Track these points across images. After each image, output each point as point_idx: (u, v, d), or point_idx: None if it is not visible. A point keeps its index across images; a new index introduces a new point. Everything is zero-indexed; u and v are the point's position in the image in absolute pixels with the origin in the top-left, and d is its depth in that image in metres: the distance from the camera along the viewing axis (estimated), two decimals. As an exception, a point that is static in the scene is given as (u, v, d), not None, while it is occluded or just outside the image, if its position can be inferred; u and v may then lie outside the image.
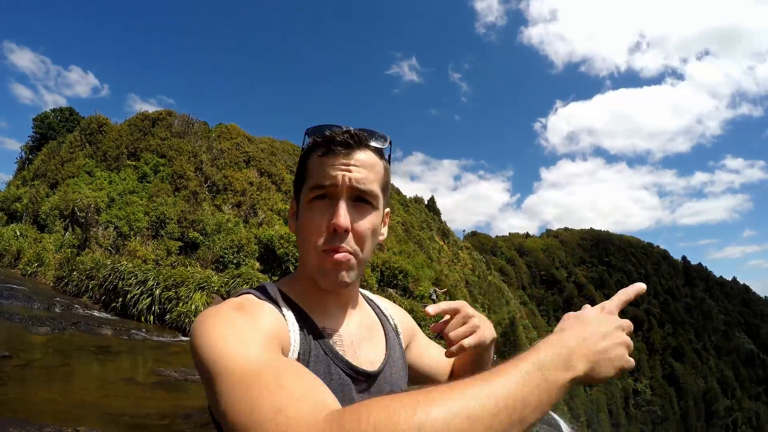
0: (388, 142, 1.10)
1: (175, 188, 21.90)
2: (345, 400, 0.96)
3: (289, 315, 1.02)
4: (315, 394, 0.74)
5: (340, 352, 1.04)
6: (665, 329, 73.16)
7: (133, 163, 23.46)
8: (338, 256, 1.01)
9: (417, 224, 36.68)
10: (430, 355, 1.42)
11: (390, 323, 1.28)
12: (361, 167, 1.03)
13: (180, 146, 24.13)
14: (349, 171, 1.02)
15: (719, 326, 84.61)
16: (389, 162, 1.12)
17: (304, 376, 0.78)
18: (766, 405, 69.90)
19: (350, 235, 1.02)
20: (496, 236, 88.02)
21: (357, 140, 1.03)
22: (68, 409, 6.19)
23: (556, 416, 14.45)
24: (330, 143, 1.02)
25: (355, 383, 1.03)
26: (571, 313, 0.92)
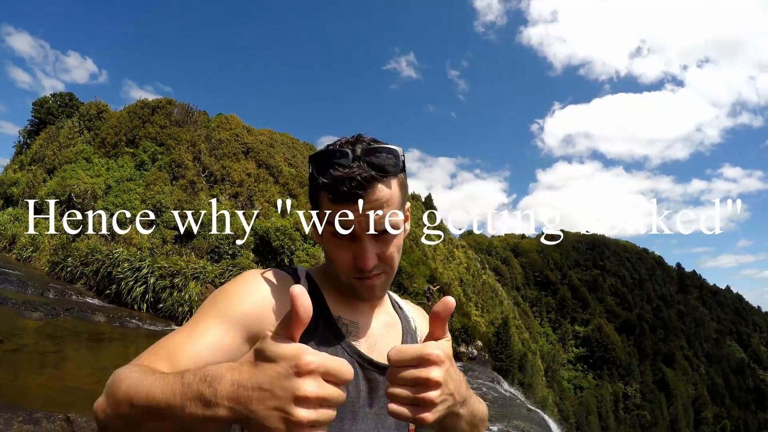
0: (400, 157, 1.03)
1: (173, 177, 21.85)
2: (349, 384, 0.95)
3: None
4: (169, 348, 0.97)
5: (353, 341, 1.10)
6: (657, 335, 73.30)
7: (132, 150, 23.38)
8: (370, 282, 1.06)
9: (413, 221, 36.69)
10: None
11: (411, 325, 1.30)
12: (377, 207, 1.00)
13: (179, 135, 24.07)
14: (366, 216, 0.99)
15: (711, 334, 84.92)
16: (404, 168, 1.07)
17: (185, 334, 0.97)
18: (754, 414, 70.20)
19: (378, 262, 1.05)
20: (492, 236, 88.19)
21: (367, 182, 0.98)
22: (59, 395, 6.19)
23: (546, 416, 14.44)
24: (338, 194, 0.98)
25: (364, 372, 1.08)
26: (262, 349, 0.71)
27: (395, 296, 1.36)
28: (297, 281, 1.10)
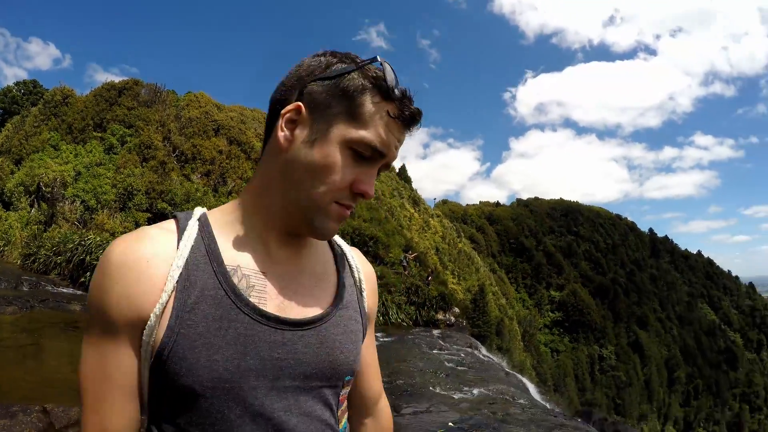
0: None
1: (143, 159, 21.50)
2: (248, 351, 0.85)
3: (185, 249, 0.88)
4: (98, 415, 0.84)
5: (253, 296, 0.89)
6: (631, 298, 74.67)
7: (100, 134, 22.89)
8: (348, 212, 0.93)
9: (388, 192, 36.71)
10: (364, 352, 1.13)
11: (354, 275, 1.11)
12: (401, 144, 0.94)
13: (147, 116, 23.62)
14: (397, 148, 0.93)
15: (683, 297, 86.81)
16: None
17: (103, 406, 0.85)
18: (725, 373, 72.28)
19: None
20: (467, 204, 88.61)
21: (417, 118, 0.92)
22: (39, 387, 6.13)
23: (524, 379, 14.76)
24: (405, 113, 0.89)
25: (270, 333, 0.88)
26: None
27: (340, 240, 1.16)
28: (180, 232, 0.91)
